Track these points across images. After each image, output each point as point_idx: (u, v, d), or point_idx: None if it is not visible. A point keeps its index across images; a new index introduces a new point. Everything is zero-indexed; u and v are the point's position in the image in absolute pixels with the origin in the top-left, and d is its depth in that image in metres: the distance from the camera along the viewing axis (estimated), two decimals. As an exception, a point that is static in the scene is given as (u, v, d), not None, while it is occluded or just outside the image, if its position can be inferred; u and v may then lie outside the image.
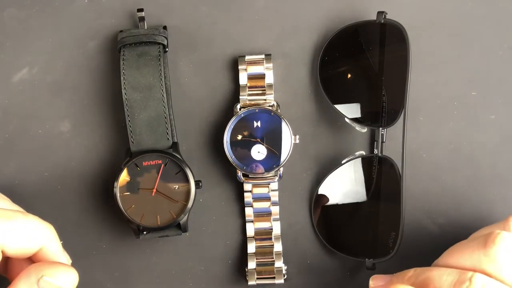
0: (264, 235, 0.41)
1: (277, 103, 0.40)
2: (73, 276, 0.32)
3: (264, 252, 0.41)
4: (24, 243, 0.31)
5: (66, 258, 0.35)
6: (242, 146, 0.39)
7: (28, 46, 0.41)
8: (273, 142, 0.39)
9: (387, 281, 0.35)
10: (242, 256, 0.42)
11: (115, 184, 0.38)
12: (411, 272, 0.33)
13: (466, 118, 0.41)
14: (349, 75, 0.41)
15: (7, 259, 0.35)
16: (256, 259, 0.41)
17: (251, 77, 0.40)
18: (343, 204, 0.41)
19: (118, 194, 0.38)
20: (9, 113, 0.41)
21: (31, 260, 0.34)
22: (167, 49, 0.40)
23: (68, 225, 0.41)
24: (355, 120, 0.40)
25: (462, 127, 0.41)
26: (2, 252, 0.31)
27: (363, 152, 0.41)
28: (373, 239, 0.40)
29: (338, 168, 0.41)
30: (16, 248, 0.31)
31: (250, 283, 0.41)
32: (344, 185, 0.41)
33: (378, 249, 0.39)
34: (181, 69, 0.41)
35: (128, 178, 0.38)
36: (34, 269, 0.31)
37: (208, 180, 0.41)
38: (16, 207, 0.36)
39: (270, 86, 0.40)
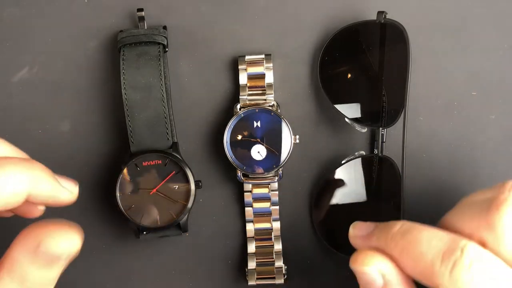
0: (264, 235, 0.41)
1: (277, 103, 0.40)
2: (75, 235, 0.29)
3: (264, 252, 0.41)
4: (2, 195, 0.27)
5: (69, 190, 0.31)
6: (242, 146, 0.39)
7: (28, 46, 0.41)
8: (273, 142, 0.39)
9: (369, 232, 0.31)
10: (242, 256, 0.42)
11: (115, 184, 0.38)
12: (397, 226, 0.29)
13: (466, 118, 0.41)
14: (349, 75, 0.41)
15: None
16: (256, 259, 0.41)
17: (251, 77, 0.40)
18: (343, 204, 0.41)
19: (118, 194, 0.38)
20: (9, 113, 0.41)
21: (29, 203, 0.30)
22: (167, 49, 0.40)
23: (68, 225, 0.41)
24: (355, 120, 0.40)
25: (462, 127, 0.41)
26: None
27: (363, 152, 0.41)
28: (373, 239, 0.40)
29: (338, 168, 0.41)
30: None
31: (250, 283, 0.41)
32: (344, 185, 0.41)
33: (378, 249, 0.39)
34: (181, 69, 0.41)
35: (128, 178, 0.38)
36: (30, 235, 0.28)
37: (208, 180, 0.41)
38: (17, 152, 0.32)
39: (270, 86, 0.40)
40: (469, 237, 0.28)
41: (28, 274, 0.28)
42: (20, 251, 0.28)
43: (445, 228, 0.29)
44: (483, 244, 0.27)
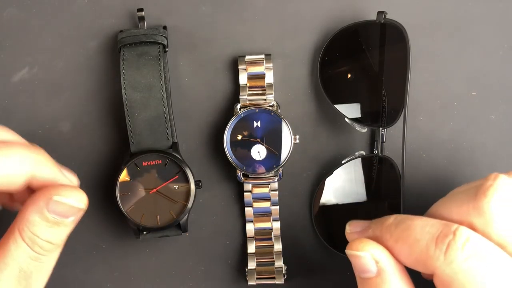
0: (264, 235, 0.41)
1: (277, 103, 0.40)
2: (83, 195, 0.31)
3: (264, 252, 0.41)
4: (7, 174, 0.30)
5: (69, 179, 0.33)
6: (242, 146, 0.39)
7: (28, 46, 0.41)
8: (273, 142, 0.39)
9: (365, 227, 0.33)
10: (242, 256, 0.42)
11: (115, 184, 0.38)
12: (391, 219, 0.31)
13: (466, 118, 0.41)
14: (349, 75, 0.41)
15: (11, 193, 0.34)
16: (256, 259, 0.41)
17: (251, 77, 0.40)
18: (343, 204, 0.41)
19: (118, 194, 0.38)
20: (9, 113, 0.41)
21: (32, 190, 0.32)
22: (167, 49, 0.40)
23: (68, 225, 0.41)
24: (355, 120, 0.40)
25: (462, 127, 0.41)
26: None
27: (363, 152, 0.41)
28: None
29: (338, 168, 0.41)
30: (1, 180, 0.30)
31: (250, 283, 0.41)
32: (344, 185, 0.41)
33: (378, 249, 0.39)
34: (181, 69, 0.41)
35: (128, 178, 0.38)
36: (41, 193, 0.30)
37: (208, 180, 0.41)
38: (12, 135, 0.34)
39: (270, 86, 0.40)
40: (459, 223, 0.29)
41: (38, 234, 0.30)
42: (31, 210, 0.30)
43: (433, 218, 0.30)
44: (472, 229, 0.29)
